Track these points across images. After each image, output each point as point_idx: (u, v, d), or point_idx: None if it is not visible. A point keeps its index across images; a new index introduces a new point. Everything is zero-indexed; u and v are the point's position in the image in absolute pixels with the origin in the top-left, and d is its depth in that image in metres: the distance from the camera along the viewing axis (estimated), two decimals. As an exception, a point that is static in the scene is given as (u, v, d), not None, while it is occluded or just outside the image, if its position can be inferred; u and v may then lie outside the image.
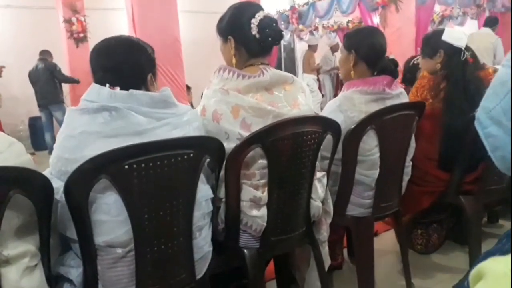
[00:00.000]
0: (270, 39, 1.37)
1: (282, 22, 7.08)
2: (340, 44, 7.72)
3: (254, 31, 1.35)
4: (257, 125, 1.29)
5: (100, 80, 1.14)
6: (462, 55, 1.86)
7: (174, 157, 1.10)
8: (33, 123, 6.64)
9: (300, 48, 8.85)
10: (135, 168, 1.04)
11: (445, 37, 1.87)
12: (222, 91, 1.33)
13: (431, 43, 1.94)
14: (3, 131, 1.01)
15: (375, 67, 1.69)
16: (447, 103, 1.81)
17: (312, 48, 8.52)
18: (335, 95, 8.58)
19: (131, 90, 1.09)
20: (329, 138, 1.44)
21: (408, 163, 1.79)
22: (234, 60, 1.42)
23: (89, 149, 1.03)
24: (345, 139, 1.57)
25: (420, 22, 5.59)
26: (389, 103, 1.66)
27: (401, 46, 5.20)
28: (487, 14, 6.33)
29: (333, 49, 8.57)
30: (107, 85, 1.10)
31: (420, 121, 1.76)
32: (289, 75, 1.42)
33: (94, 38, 6.39)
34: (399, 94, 1.70)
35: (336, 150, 1.54)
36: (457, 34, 1.90)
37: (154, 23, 3.50)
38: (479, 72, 1.90)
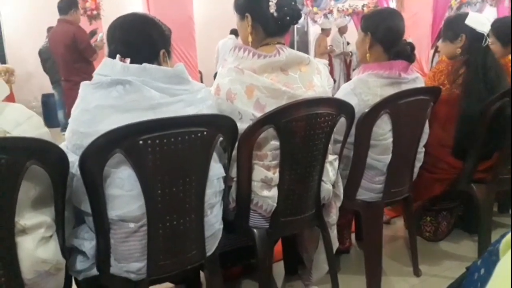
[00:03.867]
0: (288, 18, 1.35)
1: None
2: (351, 26, 7.58)
3: (272, 9, 1.33)
4: (271, 106, 1.28)
5: (113, 52, 1.14)
6: (484, 41, 1.81)
7: (187, 134, 1.10)
8: (46, 100, 6.69)
9: (314, 31, 8.71)
10: (149, 144, 1.04)
11: (469, 21, 1.82)
12: (237, 70, 1.32)
13: (453, 26, 1.90)
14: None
15: (391, 50, 1.66)
16: (465, 89, 1.78)
17: (325, 32, 8.37)
18: (346, 81, 8.49)
19: (144, 64, 1.09)
20: (342, 121, 1.43)
21: (421, 149, 1.77)
22: (250, 38, 1.40)
23: (104, 123, 1.04)
24: (359, 123, 1.55)
25: (437, 7, 5.47)
26: (404, 87, 1.63)
27: (417, 31, 5.11)
28: (506, 1, 6.16)
29: (341, 30, 8.41)
30: (118, 56, 1.10)
31: (435, 106, 1.74)
32: (305, 55, 1.40)
33: (107, 16, 6.41)
34: (415, 79, 1.67)
35: (349, 133, 1.53)
36: (481, 19, 1.85)
37: (168, 1, 3.47)
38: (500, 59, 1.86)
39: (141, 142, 1.03)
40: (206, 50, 6.25)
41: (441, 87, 1.81)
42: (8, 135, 0.92)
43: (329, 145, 1.43)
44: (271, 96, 1.30)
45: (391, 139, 1.62)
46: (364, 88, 1.61)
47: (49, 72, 5.90)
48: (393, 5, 6.09)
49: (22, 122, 0.96)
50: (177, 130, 1.08)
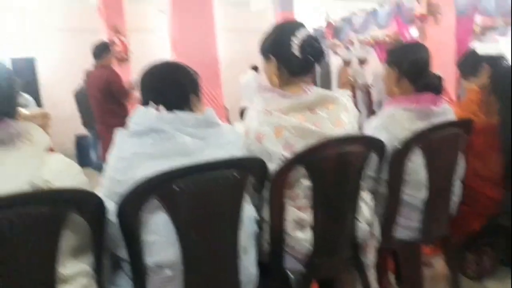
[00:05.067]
0: (311, 57, 1.37)
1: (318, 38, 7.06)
2: (371, 57, 7.59)
3: (295, 49, 1.36)
4: (300, 146, 1.29)
5: (146, 100, 1.18)
6: (503, 62, 1.79)
7: (219, 178, 1.12)
8: (80, 140, 6.94)
9: (335, 62, 8.79)
10: (183, 188, 1.06)
11: (481, 51, 1.82)
12: (265, 112, 1.34)
13: (470, 62, 1.90)
14: (52, 149, 1.06)
15: (419, 83, 1.65)
16: (501, 118, 1.73)
17: (347, 63, 8.46)
18: (369, 112, 8.45)
19: (176, 112, 1.12)
20: (374, 157, 1.41)
21: (457, 183, 1.72)
22: (275, 79, 1.43)
23: (139, 171, 1.06)
24: (391, 158, 1.53)
25: (460, 34, 5.41)
26: (434, 120, 1.60)
27: (441, 59, 5.04)
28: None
29: (361, 61, 8.46)
30: (151, 103, 1.14)
31: (469, 138, 1.69)
32: (332, 93, 1.41)
33: (135, 58, 6.69)
34: (445, 111, 1.65)
35: (381, 169, 1.51)
36: (488, 46, 1.86)
37: (193, 43, 3.59)
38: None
39: (175, 187, 1.05)
40: (230, 86, 6.39)
41: (474, 117, 1.77)
42: (50, 185, 0.95)
43: (362, 182, 1.41)
44: (299, 136, 1.30)
45: (425, 174, 1.58)
46: (393, 123, 1.59)
47: (83, 114, 6.16)
48: (414, 33, 6.08)
49: (63, 171, 1.00)
50: (209, 174, 1.10)
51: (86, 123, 6.18)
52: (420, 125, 1.56)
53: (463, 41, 5.61)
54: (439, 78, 1.63)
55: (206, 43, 3.65)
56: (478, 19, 6.54)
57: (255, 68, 7.66)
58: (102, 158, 4.58)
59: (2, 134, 0.93)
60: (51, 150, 1.04)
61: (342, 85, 8.17)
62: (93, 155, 6.26)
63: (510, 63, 1.77)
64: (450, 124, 1.61)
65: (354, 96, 8.42)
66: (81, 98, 5.92)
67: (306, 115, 1.34)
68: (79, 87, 6.08)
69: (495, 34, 6.69)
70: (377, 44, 8.28)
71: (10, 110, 0.98)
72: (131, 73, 6.26)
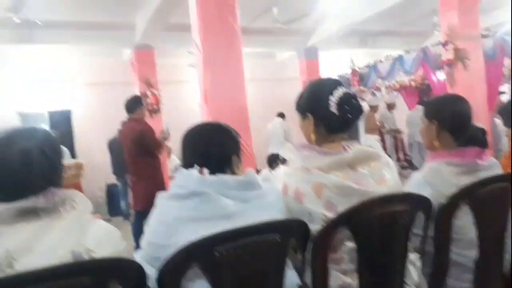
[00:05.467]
0: (349, 115, 1.35)
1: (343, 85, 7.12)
2: (397, 102, 7.53)
3: (333, 108, 1.35)
4: (342, 205, 1.24)
5: (189, 162, 1.18)
6: None
7: (261, 242, 1.08)
8: (110, 189, 7.07)
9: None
10: (224, 255, 1.02)
11: None
12: (304, 169, 1.31)
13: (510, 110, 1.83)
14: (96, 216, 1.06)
15: (461, 137, 1.59)
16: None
17: (373, 108, 8.44)
18: (398, 158, 8.30)
19: (218, 175, 1.11)
20: (420, 215, 1.34)
21: (510, 241, 1.60)
22: (313, 137, 1.41)
23: (180, 235, 1.04)
24: (437, 216, 1.45)
25: (490, 78, 5.34)
26: (481, 175, 1.53)
27: (472, 104, 4.95)
28: None
29: (390, 106, 8.43)
30: (196, 166, 1.13)
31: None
32: (374, 150, 1.38)
33: (167, 109, 6.91)
34: (491, 165, 1.57)
35: (428, 227, 1.43)
36: None
37: (224, 94, 3.67)
38: None
39: (216, 253, 1.01)
40: (257, 133, 6.46)
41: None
42: (92, 254, 0.94)
43: (409, 243, 1.33)
44: (341, 195, 1.26)
45: (474, 232, 1.49)
46: (438, 178, 1.52)
47: (114, 163, 6.32)
48: (441, 77, 6.04)
49: (104, 239, 0.99)
50: (251, 238, 1.06)
51: (117, 172, 6.33)
52: (466, 180, 1.49)
53: (493, 86, 5.53)
54: (482, 131, 1.57)
55: (236, 94, 3.73)
56: (507, 62, 6.44)
57: (281, 115, 7.76)
58: (131, 207, 4.62)
59: (47, 203, 0.94)
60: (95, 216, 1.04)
61: (369, 130, 8.11)
62: (122, 204, 6.34)
63: None
64: (498, 178, 1.53)
65: (383, 141, 8.32)
66: (114, 148, 6.11)
67: (348, 173, 1.30)
68: (112, 137, 6.28)
69: (526, 76, 6.54)
70: (403, 89, 8.28)
71: (55, 179, 0.99)
72: (162, 123, 6.46)
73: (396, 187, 1.35)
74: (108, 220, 6.56)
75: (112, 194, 6.97)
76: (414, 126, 7.88)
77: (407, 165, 8.65)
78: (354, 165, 1.32)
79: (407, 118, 8.14)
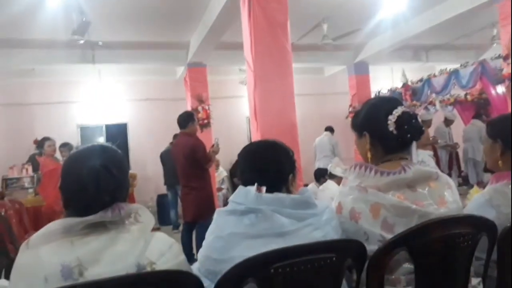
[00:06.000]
0: (409, 135, 1.32)
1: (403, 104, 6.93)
2: (456, 118, 7.19)
3: (392, 127, 1.32)
4: (400, 226, 1.21)
5: (247, 179, 1.21)
6: None
7: (317, 261, 1.07)
8: (160, 200, 7.31)
9: (414, 123, 8.48)
10: (280, 272, 1.03)
11: None
12: (360, 188, 1.29)
13: None
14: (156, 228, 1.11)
15: (528, 157, 1.50)
16: None
17: (426, 123, 8.09)
18: (449, 174, 7.89)
19: (275, 193, 1.13)
20: (483, 238, 1.28)
21: None
22: (369, 155, 1.39)
23: (236, 250, 1.07)
24: (501, 239, 1.36)
25: (556, 92, 4.98)
26: (550, 197, 1.43)
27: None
28: None
29: (448, 122, 8.08)
30: (256, 185, 1.16)
31: None
32: (433, 170, 1.34)
33: (217, 123, 7.09)
34: (560, 187, 1.46)
35: (492, 251, 1.35)
36: None
37: (273, 110, 3.71)
38: None
39: (272, 270, 1.02)
40: (305, 147, 6.45)
41: None
42: (154, 266, 0.98)
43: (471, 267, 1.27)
44: (399, 215, 1.23)
45: (543, 258, 1.39)
46: (503, 200, 1.44)
47: (166, 175, 6.55)
48: (501, 90, 5.72)
49: (165, 252, 1.03)
50: (306, 257, 1.06)
51: (168, 183, 6.54)
52: (534, 203, 1.40)
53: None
54: (552, 151, 1.47)
55: (286, 110, 3.75)
56: None
57: (329, 129, 7.69)
58: (181, 218, 4.75)
59: (114, 217, 1.00)
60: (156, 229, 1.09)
61: (422, 145, 7.78)
62: (172, 214, 6.52)
63: None
64: None
65: (436, 156, 7.96)
66: (166, 159, 6.33)
67: (406, 193, 1.26)
68: (165, 149, 6.53)
69: None
70: (458, 103, 7.92)
71: (121, 194, 1.06)
72: (212, 137, 6.63)
73: (457, 209, 1.30)
74: (158, 229, 6.78)
75: (162, 204, 7.21)
76: (470, 142, 7.51)
77: (462, 181, 8.23)
78: (413, 185, 1.28)
79: (464, 133, 7.76)
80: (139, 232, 1.03)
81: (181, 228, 4.83)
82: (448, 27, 6.15)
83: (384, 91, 7.36)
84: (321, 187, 4.95)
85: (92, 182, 1.00)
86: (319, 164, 7.15)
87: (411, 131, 1.32)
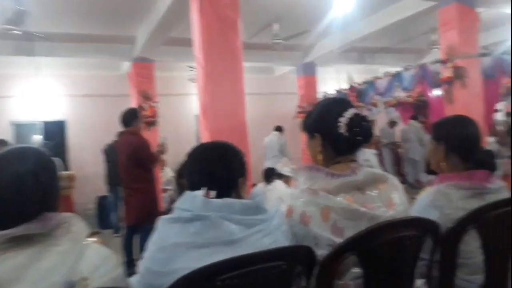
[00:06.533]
0: (359, 138, 1.32)
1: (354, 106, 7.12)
2: (399, 120, 7.56)
3: (342, 129, 1.31)
4: (349, 229, 1.19)
5: (195, 183, 1.13)
6: None
7: (266, 270, 1.02)
8: (101, 202, 6.94)
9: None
10: (227, 284, 0.96)
11: None
12: (311, 191, 1.26)
13: None
14: (74, 210, 1.01)
15: (469, 160, 1.56)
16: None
17: (370, 123, 8.44)
18: (397, 170, 8.29)
19: (224, 199, 1.07)
20: (428, 240, 1.30)
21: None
22: (319, 157, 1.37)
23: (180, 262, 0.99)
24: (443, 240, 1.40)
25: (488, 96, 5.37)
26: (489, 198, 1.49)
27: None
28: None
29: (392, 124, 8.48)
30: (204, 188, 1.09)
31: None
32: (382, 173, 1.34)
33: (164, 121, 6.86)
34: (499, 189, 1.53)
35: (435, 252, 1.38)
36: None
37: (223, 109, 3.64)
38: None
39: (219, 283, 0.96)
40: (254, 146, 6.44)
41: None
42: (86, 282, 0.88)
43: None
44: (349, 218, 1.21)
45: (481, 257, 1.44)
46: (445, 201, 1.48)
47: (109, 173, 6.19)
48: (438, 93, 6.06)
49: (100, 265, 0.94)
50: (255, 266, 1.01)
51: (111, 181, 6.17)
52: (474, 204, 1.45)
53: (490, 104, 5.55)
54: (490, 154, 1.54)
55: (236, 109, 3.70)
56: (505, 80, 6.48)
57: (278, 129, 7.74)
58: (123, 221, 4.49)
59: (41, 229, 0.89)
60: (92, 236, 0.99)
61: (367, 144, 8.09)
62: (113, 217, 6.21)
63: None
64: (506, 202, 1.49)
65: (380, 155, 8.31)
66: (110, 155, 5.95)
67: (355, 196, 1.25)
68: (109, 144, 6.15)
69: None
70: (399, 104, 8.32)
71: (50, 203, 0.94)
72: (159, 136, 6.40)
73: (404, 211, 1.31)
74: (97, 233, 6.41)
75: (102, 207, 6.84)
76: (409, 142, 7.91)
77: (401, 180, 8.66)
78: (362, 188, 1.28)
79: (402, 133, 8.18)
80: (71, 243, 0.92)
81: (123, 232, 4.60)
82: (391, 31, 6.40)
83: (331, 92, 7.53)
84: (269, 186, 4.95)
85: (14, 190, 0.88)
86: (268, 164, 7.17)
87: (361, 133, 1.31)
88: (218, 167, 1.16)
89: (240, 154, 1.23)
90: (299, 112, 7.98)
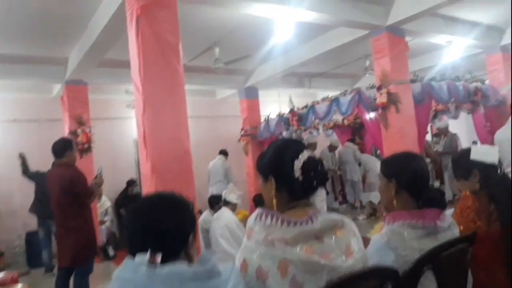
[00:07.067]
0: (314, 182, 1.25)
1: (283, 124, 7.21)
2: (340, 146, 7.82)
3: (297, 173, 1.24)
4: (309, 284, 1.12)
5: (137, 245, 0.98)
6: (499, 170, 1.75)
7: None
8: (30, 238, 6.27)
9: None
10: None
11: (474, 156, 1.78)
12: (267, 242, 1.17)
13: (462, 164, 1.86)
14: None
15: (420, 197, 1.56)
16: (504, 227, 1.65)
17: (312, 146, 8.65)
18: (335, 197, 8.51)
19: (172, 265, 0.93)
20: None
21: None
22: (274, 201, 1.29)
23: None
24: (401, 283, 1.37)
25: (419, 120, 5.69)
26: (441, 237, 1.49)
27: (405, 145, 5.23)
28: (482, 109, 6.51)
29: (331, 148, 8.75)
30: (148, 252, 0.94)
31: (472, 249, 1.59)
32: (339, 218, 1.28)
33: (100, 147, 6.44)
34: (450, 226, 1.54)
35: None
36: (486, 150, 1.80)
37: (166, 136, 3.44)
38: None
39: None
40: (199, 171, 6.25)
41: (473, 224, 1.70)
42: None
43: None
44: (308, 272, 1.13)
45: (437, 296, 1.43)
46: (400, 242, 1.46)
47: (37, 203, 5.60)
48: (373, 116, 6.34)
49: None
50: None
51: (40, 213, 5.60)
52: (428, 243, 1.45)
53: (422, 127, 5.88)
54: (440, 192, 1.55)
55: (179, 136, 3.52)
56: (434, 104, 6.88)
57: (222, 152, 7.61)
58: (55, 258, 4.04)
59: None
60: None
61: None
62: (45, 255, 5.64)
63: (502, 171, 1.74)
64: (459, 240, 1.51)
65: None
66: (39, 182, 5.39)
67: (314, 246, 1.18)
68: (37, 172, 5.59)
69: (447, 116, 7.09)
70: (337, 127, 8.62)
71: None
72: (94, 163, 5.97)
73: (362, 257, 1.25)
74: (27, 273, 5.78)
75: (32, 243, 6.15)
76: (348, 164, 8.18)
77: (342, 200, 8.91)
78: (320, 235, 1.21)
79: (339, 155, 8.44)
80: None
81: (55, 271, 4.16)
82: (328, 57, 6.63)
83: (273, 116, 7.60)
84: (215, 215, 4.80)
85: None
86: (212, 190, 7.00)
87: (317, 177, 1.26)
88: (167, 224, 1.02)
89: (190, 206, 1.11)
90: (243, 135, 7.95)
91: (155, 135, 3.41)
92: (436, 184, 6.83)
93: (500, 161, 1.78)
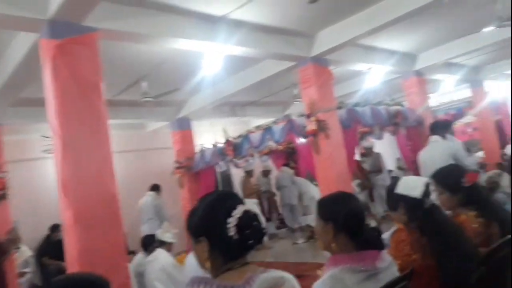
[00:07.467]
0: (250, 240, 1.16)
1: (219, 154, 7.11)
2: (276, 171, 7.92)
3: (232, 232, 1.15)
4: None
5: None
6: (423, 203, 1.77)
7: None
8: None
9: (237, 173, 8.93)
10: None
11: (399, 189, 1.81)
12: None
13: (390, 196, 1.90)
14: None
15: (358, 238, 1.54)
16: (438, 259, 1.67)
17: (249, 173, 8.68)
18: (268, 218, 8.57)
19: None
20: None
21: None
22: (208, 264, 1.18)
23: None
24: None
25: (347, 143, 5.92)
26: (381, 277, 1.48)
27: (335, 169, 5.40)
28: (403, 130, 6.96)
29: (265, 173, 8.84)
30: None
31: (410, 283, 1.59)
32: (279, 275, 1.19)
33: (18, 192, 5.82)
34: (389, 266, 1.53)
35: None
36: (411, 183, 1.81)
37: (89, 181, 3.16)
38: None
39: None
40: (129, 209, 5.88)
41: (407, 258, 1.71)
42: None
43: None
44: None
45: None
46: (342, 287, 1.41)
47: None
48: (304, 141, 6.50)
49: None
50: None
51: None
52: (370, 286, 1.42)
53: (351, 151, 6.12)
54: (378, 231, 1.54)
55: (102, 179, 3.26)
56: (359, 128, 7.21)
57: (154, 188, 7.25)
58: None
59: None
60: None
61: (248, 195, 8.24)
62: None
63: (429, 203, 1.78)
64: (401, 279, 1.50)
65: (261, 204, 8.50)
66: None
67: (253, 313, 1.08)
68: None
69: (372, 138, 7.48)
70: (272, 153, 8.73)
71: None
72: (10, 211, 5.38)
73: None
74: None
75: None
76: (285, 188, 8.29)
77: (280, 224, 8.97)
78: (261, 297, 1.11)
79: (276, 180, 8.55)
80: None
81: None
82: (258, 87, 6.73)
83: (208, 145, 7.47)
84: (149, 257, 4.50)
85: None
86: (144, 229, 6.61)
87: (253, 235, 1.16)
88: None
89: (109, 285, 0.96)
90: (177, 168, 7.69)
91: (76, 181, 3.13)
92: (373, 223, 7.14)
93: (427, 192, 1.79)
